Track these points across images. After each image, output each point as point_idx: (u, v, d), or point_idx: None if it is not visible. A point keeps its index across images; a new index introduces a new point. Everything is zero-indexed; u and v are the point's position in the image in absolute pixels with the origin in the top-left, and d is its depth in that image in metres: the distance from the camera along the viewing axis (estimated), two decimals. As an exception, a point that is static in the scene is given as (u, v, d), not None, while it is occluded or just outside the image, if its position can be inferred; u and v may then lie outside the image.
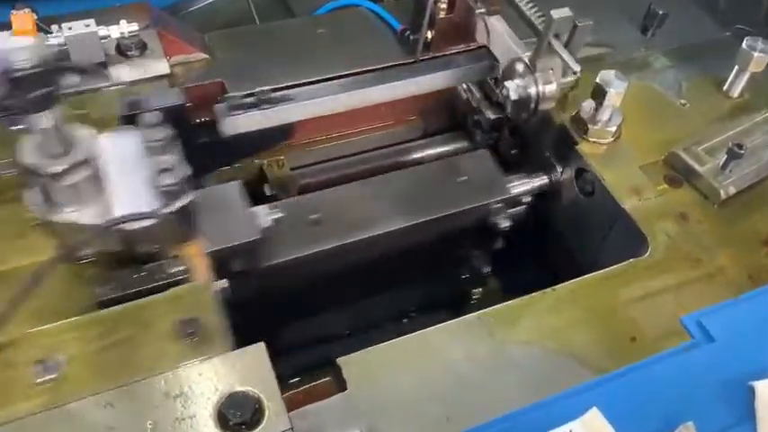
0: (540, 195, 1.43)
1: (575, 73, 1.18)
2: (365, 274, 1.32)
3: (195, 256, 1.04)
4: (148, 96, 1.23)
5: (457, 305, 1.59)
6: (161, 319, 0.95)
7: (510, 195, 1.35)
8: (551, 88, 1.22)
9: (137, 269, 1.01)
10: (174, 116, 1.10)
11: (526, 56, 1.24)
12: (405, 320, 1.62)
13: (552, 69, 1.22)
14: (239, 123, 1.26)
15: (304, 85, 1.31)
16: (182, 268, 1.03)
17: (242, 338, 0.95)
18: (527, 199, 1.42)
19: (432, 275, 1.53)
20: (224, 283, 1.07)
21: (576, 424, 0.81)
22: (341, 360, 0.95)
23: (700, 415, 0.85)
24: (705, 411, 0.88)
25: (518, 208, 1.42)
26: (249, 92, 1.27)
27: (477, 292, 1.61)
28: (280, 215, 1.16)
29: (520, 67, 1.25)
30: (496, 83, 1.38)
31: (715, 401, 0.89)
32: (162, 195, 0.95)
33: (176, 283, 1.01)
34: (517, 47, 1.27)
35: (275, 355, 0.91)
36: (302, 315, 1.41)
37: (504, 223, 1.35)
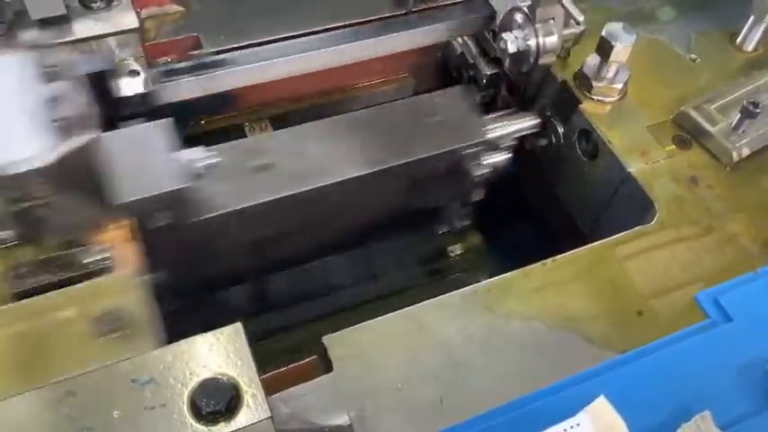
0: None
1: (578, 23, 1.12)
2: (322, 230, 1.17)
3: (120, 242, 0.92)
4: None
5: (433, 263, 1.47)
6: (76, 315, 0.87)
7: (487, 138, 1.21)
8: (552, 40, 1.16)
9: (56, 256, 0.90)
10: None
11: (525, 5, 1.16)
12: (373, 283, 1.42)
13: (554, 20, 1.15)
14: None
15: (284, 39, 1.23)
16: (102, 256, 0.91)
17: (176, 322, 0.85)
18: (510, 143, 1.28)
19: (400, 231, 1.38)
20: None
21: (582, 414, 0.75)
22: (326, 339, 0.90)
23: (717, 403, 0.80)
24: (722, 399, 0.82)
25: (500, 156, 1.28)
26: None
27: (456, 248, 1.49)
28: (216, 160, 1.00)
29: (519, 17, 1.19)
30: (494, 36, 1.30)
31: (733, 388, 0.83)
32: (53, 132, 0.77)
33: (96, 273, 0.90)
34: (517, -6, 1.20)
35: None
36: (246, 281, 1.25)
37: (482, 171, 1.23)
